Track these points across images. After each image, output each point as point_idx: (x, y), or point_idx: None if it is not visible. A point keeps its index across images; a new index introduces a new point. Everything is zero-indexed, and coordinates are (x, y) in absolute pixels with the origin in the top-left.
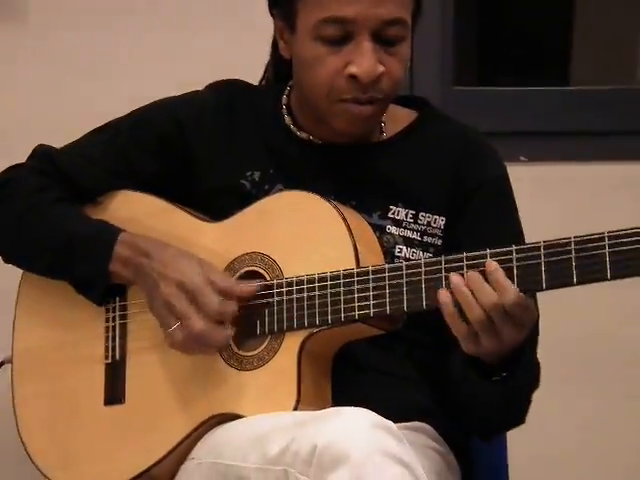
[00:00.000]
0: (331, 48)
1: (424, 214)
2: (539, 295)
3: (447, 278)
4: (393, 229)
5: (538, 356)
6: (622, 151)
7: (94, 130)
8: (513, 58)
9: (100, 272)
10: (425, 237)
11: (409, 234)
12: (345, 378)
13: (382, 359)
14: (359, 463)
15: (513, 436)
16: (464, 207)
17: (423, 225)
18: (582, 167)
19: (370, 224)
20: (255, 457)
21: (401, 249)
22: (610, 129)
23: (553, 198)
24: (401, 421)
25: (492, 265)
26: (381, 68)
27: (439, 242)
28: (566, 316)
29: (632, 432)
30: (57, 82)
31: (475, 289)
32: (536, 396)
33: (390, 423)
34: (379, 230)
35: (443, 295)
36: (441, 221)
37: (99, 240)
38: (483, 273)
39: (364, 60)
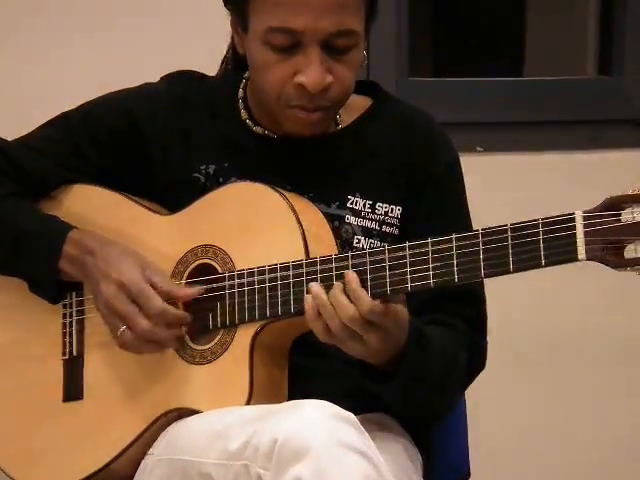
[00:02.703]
0: (280, 56)
1: (381, 204)
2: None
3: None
4: (352, 219)
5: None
6: (575, 141)
7: (46, 123)
8: (467, 48)
9: (49, 271)
10: (384, 227)
11: (368, 224)
12: (304, 369)
13: (341, 350)
14: (319, 456)
15: (474, 425)
16: (417, 196)
17: (381, 215)
18: (536, 157)
19: (329, 214)
20: (216, 452)
21: (359, 239)
22: (564, 119)
23: (508, 188)
24: (362, 412)
25: (349, 275)
26: (329, 78)
27: (396, 232)
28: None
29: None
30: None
31: (335, 304)
32: (498, 380)
33: (350, 414)
34: (338, 220)
35: (308, 301)
36: (398, 210)
37: (48, 238)
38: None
39: (311, 71)
